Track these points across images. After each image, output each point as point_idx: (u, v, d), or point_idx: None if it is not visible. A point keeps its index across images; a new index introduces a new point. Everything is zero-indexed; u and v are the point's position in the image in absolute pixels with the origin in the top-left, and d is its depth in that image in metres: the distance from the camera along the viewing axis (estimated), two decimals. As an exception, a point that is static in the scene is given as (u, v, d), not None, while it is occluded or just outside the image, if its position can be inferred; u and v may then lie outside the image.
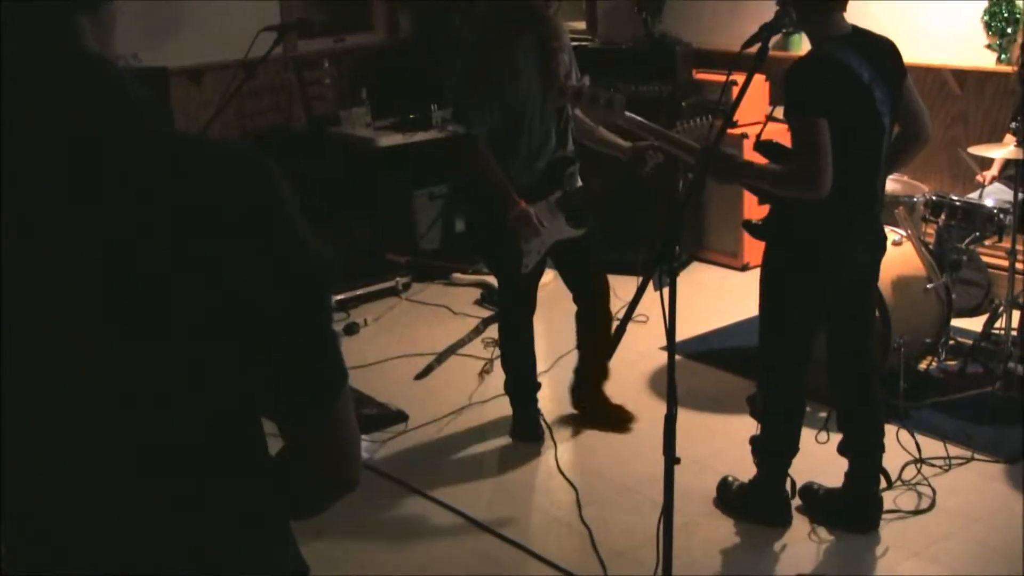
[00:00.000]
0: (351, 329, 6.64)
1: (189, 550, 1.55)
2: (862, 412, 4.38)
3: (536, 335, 5.11)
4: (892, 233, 5.52)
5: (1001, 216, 5.44)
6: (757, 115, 6.76)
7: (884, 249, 4.29)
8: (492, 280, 7.23)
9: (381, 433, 5.30)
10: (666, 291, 3.08)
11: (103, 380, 1.45)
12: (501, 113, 4.71)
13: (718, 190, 7.23)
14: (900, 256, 5.44)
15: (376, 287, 7.23)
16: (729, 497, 4.58)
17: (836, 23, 3.96)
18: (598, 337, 5.14)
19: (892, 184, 5.89)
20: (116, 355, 1.44)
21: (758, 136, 4.21)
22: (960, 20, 6.68)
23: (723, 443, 5.03)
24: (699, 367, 5.93)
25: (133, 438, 1.48)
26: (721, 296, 6.88)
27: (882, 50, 4.03)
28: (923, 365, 5.65)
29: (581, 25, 8.52)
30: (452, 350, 6.30)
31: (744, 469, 4.51)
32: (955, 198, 5.63)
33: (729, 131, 3.77)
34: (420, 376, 5.99)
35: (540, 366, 5.68)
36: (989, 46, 6.60)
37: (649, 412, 5.29)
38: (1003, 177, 5.94)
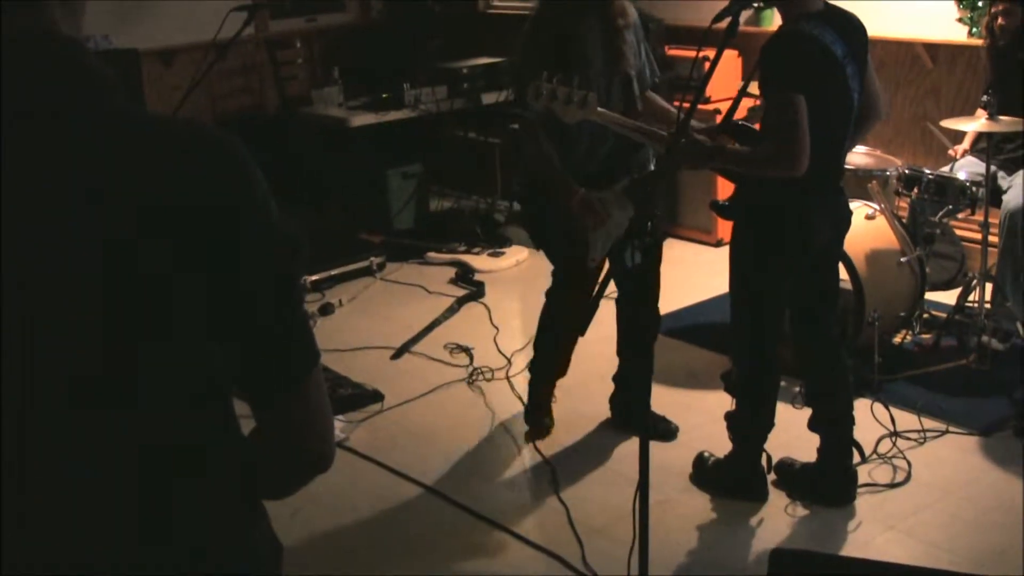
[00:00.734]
0: (326, 310, 6.63)
1: (160, 529, 1.54)
2: (829, 386, 4.39)
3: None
4: (865, 207, 5.54)
5: (974, 189, 5.45)
6: (730, 91, 6.74)
7: (849, 222, 4.30)
8: (467, 259, 7.25)
9: (356, 413, 5.29)
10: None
11: (74, 362, 1.44)
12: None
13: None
14: (874, 230, 5.46)
15: (350, 267, 7.20)
16: (705, 473, 4.59)
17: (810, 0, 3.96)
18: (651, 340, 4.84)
19: (865, 158, 5.91)
20: (84, 335, 1.43)
21: (728, 114, 4.18)
22: (931, -7, 6.69)
23: (698, 419, 5.04)
24: (673, 343, 5.93)
25: (102, 420, 1.47)
26: (695, 272, 6.88)
27: (851, 26, 4.02)
28: (897, 339, 5.67)
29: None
30: (428, 329, 6.29)
31: (720, 444, 4.52)
32: (928, 172, 5.64)
33: (701, 107, 3.77)
34: (396, 356, 5.98)
35: (515, 344, 5.69)
36: (961, 20, 6.60)
37: (625, 389, 5.28)
38: (975, 150, 5.96)
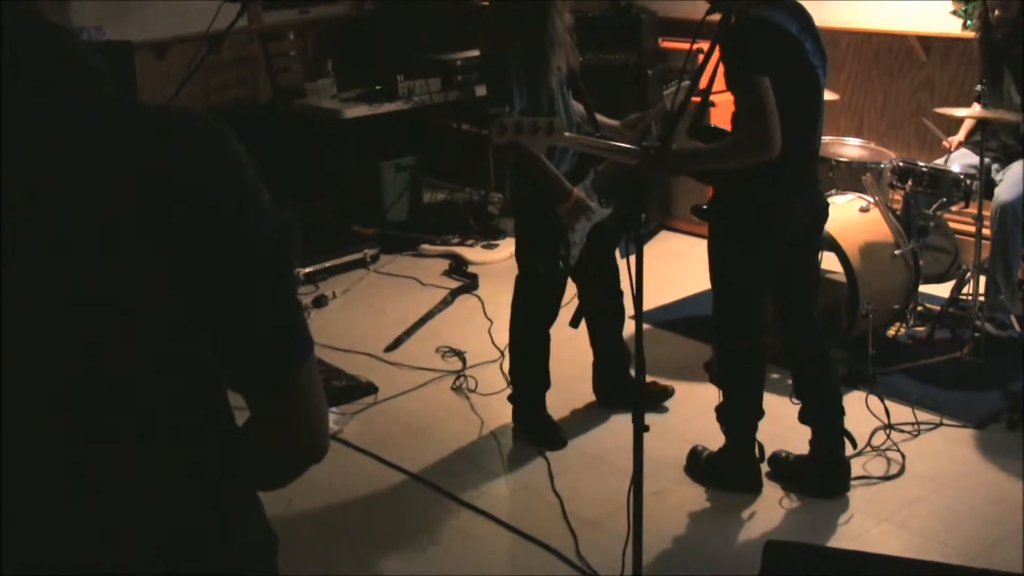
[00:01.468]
0: (320, 302, 6.62)
1: (156, 520, 1.54)
2: (815, 377, 4.39)
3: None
4: (860, 200, 5.54)
5: (968, 182, 5.45)
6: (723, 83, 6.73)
7: (827, 213, 4.29)
8: (460, 251, 7.25)
9: (351, 405, 5.29)
10: (633, 260, 3.08)
11: (67, 353, 1.43)
12: (532, 97, 4.47)
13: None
14: (868, 223, 5.46)
15: (344, 259, 7.19)
16: (699, 467, 4.59)
17: None
18: (621, 320, 5.06)
19: (859, 151, 5.92)
20: (78, 321, 1.42)
21: (696, 117, 4.14)
22: (926, -14, 6.69)
23: (691, 411, 5.04)
24: (667, 335, 5.94)
25: (96, 407, 1.47)
26: (688, 265, 6.87)
27: (799, 8, 4.04)
28: (891, 331, 5.68)
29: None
30: (422, 321, 6.29)
31: (713, 437, 4.52)
32: (922, 164, 5.64)
33: (695, 99, 3.77)
34: (390, 348, 5.97)
35: (498, 341, 5.71)
36: (955, 12, 6.60)
37: (619, 381, 5.28)
38: (969, 143, 5.95)
